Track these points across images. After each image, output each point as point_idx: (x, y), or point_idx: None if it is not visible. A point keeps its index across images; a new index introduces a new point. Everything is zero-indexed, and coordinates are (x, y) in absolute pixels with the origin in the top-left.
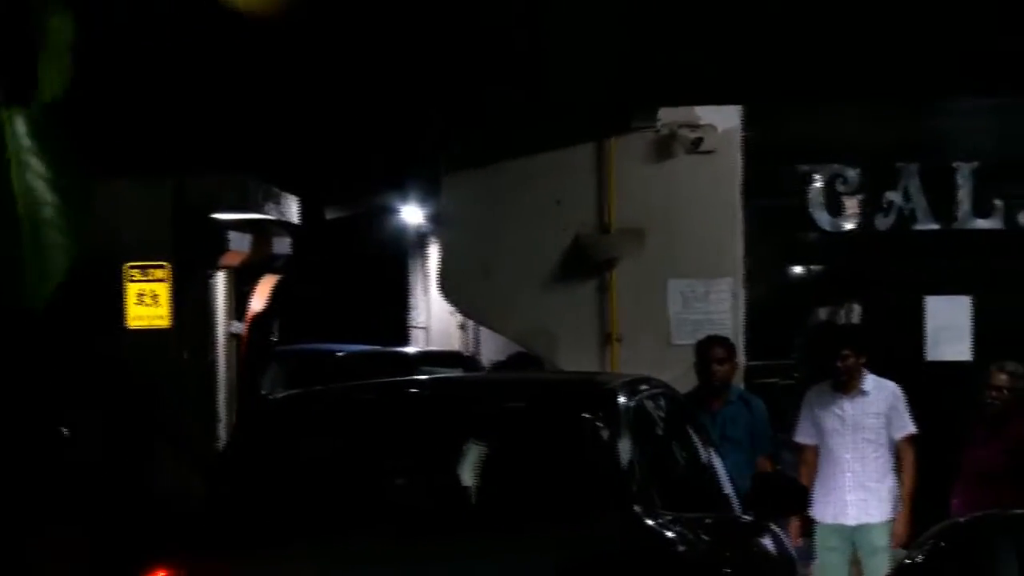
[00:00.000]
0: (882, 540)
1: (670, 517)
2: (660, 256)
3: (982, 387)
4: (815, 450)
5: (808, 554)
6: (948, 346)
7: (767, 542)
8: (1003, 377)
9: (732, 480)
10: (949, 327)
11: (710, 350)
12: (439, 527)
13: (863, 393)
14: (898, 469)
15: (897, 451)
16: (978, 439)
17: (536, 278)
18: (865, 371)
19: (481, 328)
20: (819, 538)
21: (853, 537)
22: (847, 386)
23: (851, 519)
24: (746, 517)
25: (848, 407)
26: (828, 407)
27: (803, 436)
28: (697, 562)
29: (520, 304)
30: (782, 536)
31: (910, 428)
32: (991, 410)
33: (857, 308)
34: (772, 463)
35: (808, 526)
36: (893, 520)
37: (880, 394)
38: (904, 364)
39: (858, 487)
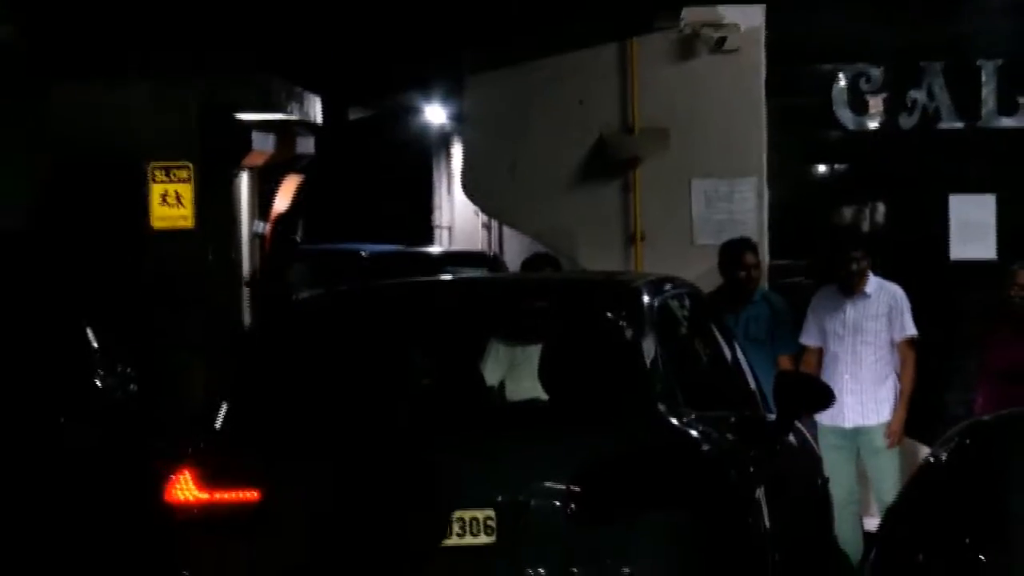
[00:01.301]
0: (881, 441)
1: (694, 416)
2: (684, 156)
3: (1007, 286)
4: (818, 352)
5: None
6: (972, 245)
7: (792, 439)
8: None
9: (756, 379)
10: (973, 226)
11: (742, 256)
12: (464, 425)
13: (865, 296)
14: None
15: (898, 352)
16: (1002, 338)
17: (560, 178)
18: (869, 273)
19: (505, 228)
20: (821, 439)
21: (855, 438)
22: (853, 289)
23: (848, 421)
24: (770, 415)
25: (850, 310)
26: (832, 310)
27: (807, 338)
28: (720, 459)
29: (544, 204)
30: (807, 434)
31: (910, 330)
32: (1015, 309)
33: (881, 207)
34: (794, 361)
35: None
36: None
37: (882, 296)
38: (928, 263)
39: (855, 390)
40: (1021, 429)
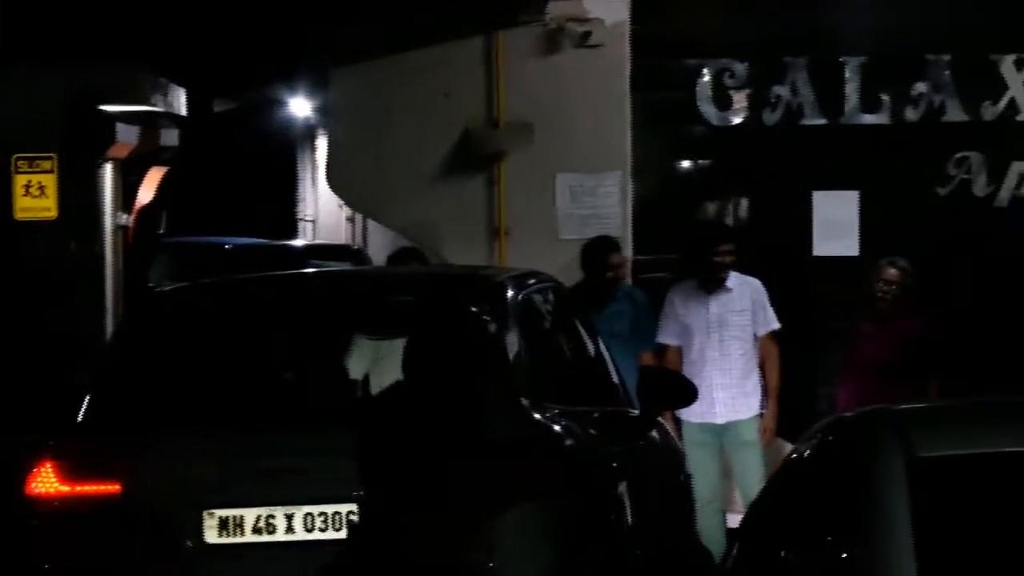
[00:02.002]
0: (750, 434)
1: (557, 410)
2: (548, 150)
3: (872, 282)
4: (678, 350)
5: None
6: (835, 241)
7: (655, 435)
8: (894, 272)
9: (619, 374)
10: (836, 222)
11: (607, 256)
12: (326, 419)
13: (727, 290)
14: (762, 365)
15: (761, 347)
16: (866, 333)
17: (425, 171)
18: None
19: (369, 222)
20: (686, 436)
21: (721, 434)
22: (717, 283)
23: (720, 417)
24: (634, 411)
25: (714, 305)
26: (694, 306)
27: (667, 336)
28: (583, 454)
29: (408, 198)
30: (667, 428)
31: (774, 324)
32: (880, 304)
33: (744, 203)
34: (657, 358)
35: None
36: (760, 415)
37: (743, 290)
38: (791, 259)
39: (726, 385)
40: (883, 425)
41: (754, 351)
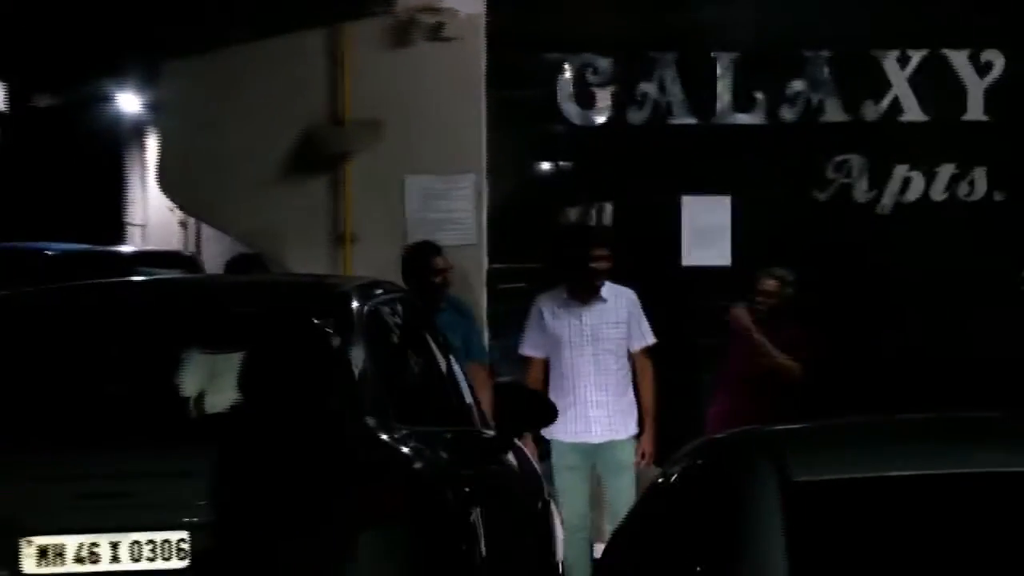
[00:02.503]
0: (627, 456)
1: (406, 431)
2: (398, 150)
3: (750, 293)
4: (543, 364)
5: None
6: (706, 250)
7: (512, 459)
8: (771, 283)
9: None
10: (707, 229)
11: (429, 260)
12: (156, 441)
13: (601, 300)
14: (635, 383)
15: (634, 363)
16: (739, 346)
17: (264, 173)
18: None
19: (204, 227)
20: (556, 457)
21: (595, 455)
22: (588, 292)
23: (596, 436)
24: (488, 432)
25: (587, 316)
26: (563, 316)
27: (531, 348)
28: (434, 477)
29: (247, 201)
30: (529, 453)
31: (650, 338)
32: (757, 316)
33: (609, 208)
34: (491, 373)
35: (542, 447)
36: (637, 436)
37: (618, 301)
38: (660, 269)
39: (602, 402)
40: (757, 448)
41: (628, 367)
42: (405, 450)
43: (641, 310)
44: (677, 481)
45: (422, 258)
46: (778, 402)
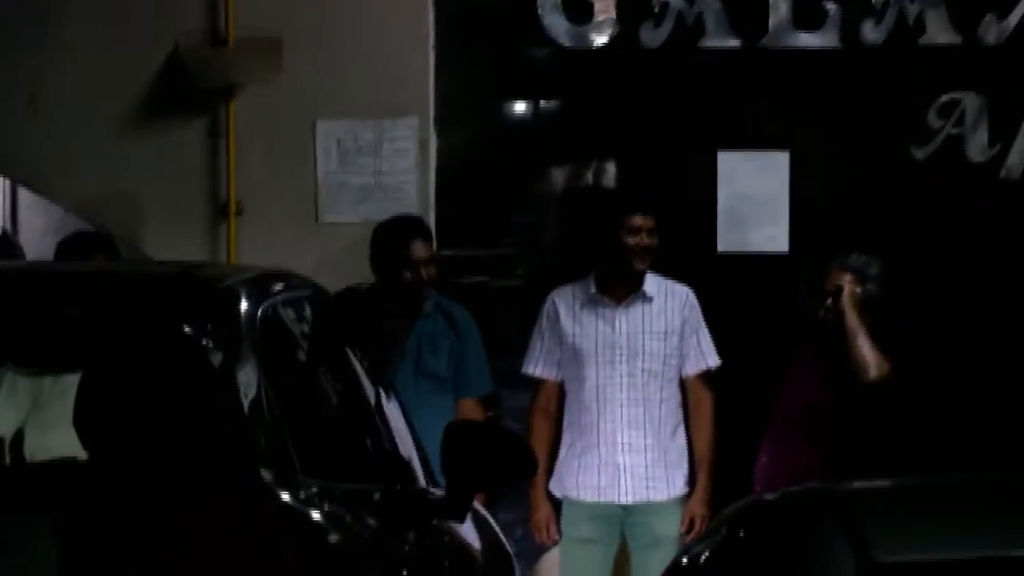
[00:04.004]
0: (668, 526)
1: (316, 488)
2: (305, 82)
3: (815, 292)
4: (556, 389)
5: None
6: (751, 231)
7: (467, 528)
8: (847, 277)
9: (423, 434)
10: (755, 200)
11: (404, 245)
12: None
13: (645, 299)
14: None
15: (689, 393)
16: (800, 370)
17: (110, 118)
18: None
19: (23, 192)
20: (566, 525)
21: (624, 522)
22: (625, 285)
23: (626, 495)
24: (435, 491)
25: (623, 321)
26: (589, 320)
27: (540, 366)
28: (355, 557)
29: (87, 157)
30: (489, 519)
31: (711, 360)
32: (823, 327)
33: (611, 169)
34: (486, 408)
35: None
36: (686, 496)
37: (671, 303)
38: (686, 258)
39: (637, 447)
40: (824, 515)
41: (679, 398)
42: (315, 516)
43: (701, 317)
44: (708, 561)
45: (392, 241)
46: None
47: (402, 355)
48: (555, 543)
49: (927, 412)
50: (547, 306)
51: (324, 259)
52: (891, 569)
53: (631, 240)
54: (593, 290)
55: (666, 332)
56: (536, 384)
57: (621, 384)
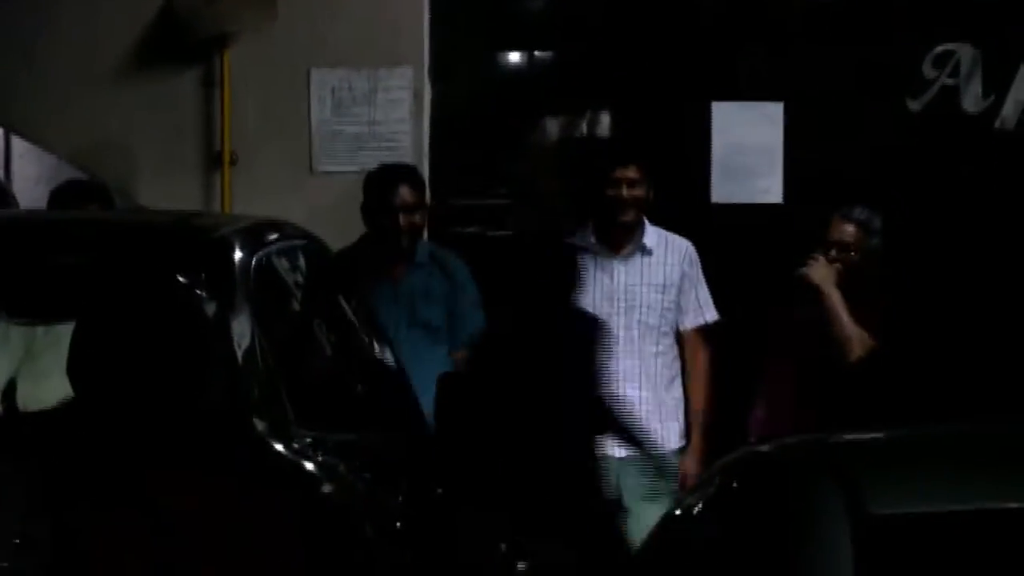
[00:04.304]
0: (666, 479)
1: (310, 439)
2: (299, 32)
3: (816, 244)
4: None
5: None
6: (746, 182)
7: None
8: (850, 229)
9: (418, 384)
10: (749, 151)
11: (394, 191)
12: None
13: (645, 251)
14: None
15: (687, 346)
16: (800, 323)
17: (106, 67)
18: (644, 218)
19: (14, 140)
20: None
21: (619, 474)
22: (620, 238)
23: (620, 448)
24: (431, 440)
25: (621, 272)
26: (586, 271)
27: None
28: (346, 508)
29: (81, 106)
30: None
31: (709, 314)
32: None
33: (605, 119)
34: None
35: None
36: (681, 450)
37: (670, 256)
38: (680, 209)
39: (634, 399)
40: (818, 467)
41: (676, 351)
42: (309, 466)
43: (701, 272)
44: (702, 513)
45: (378, 189)
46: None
47: (393, 303)
48: None
49: (922, 370)
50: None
51: (318, 208)
52: (886, 520)
53: (612, 192)
54: (593, 241)
55: (664, 285)
56: None
57: (617, 336)
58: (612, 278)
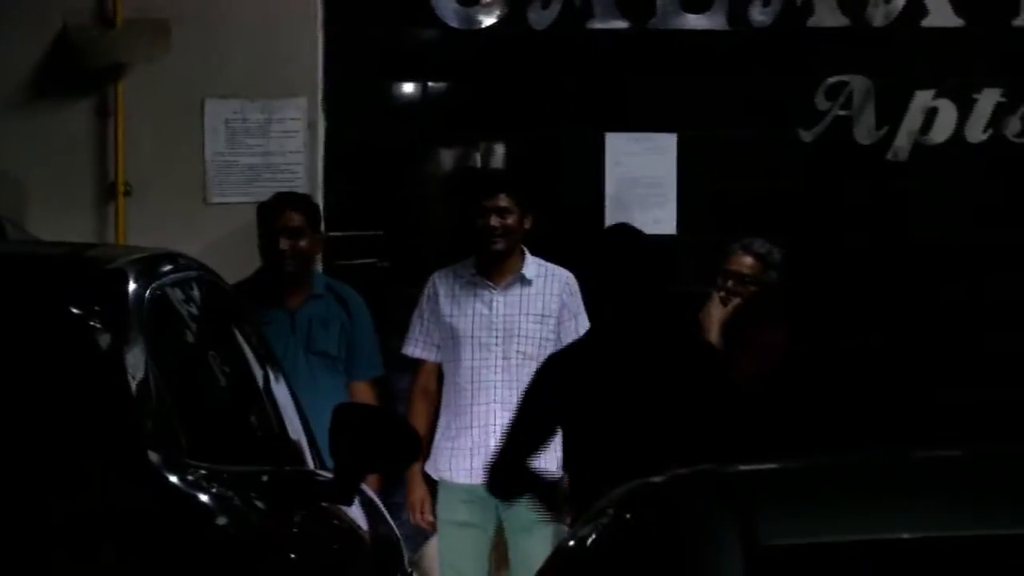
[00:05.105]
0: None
1: (204, 471)
2: (194, 63)
3: (714, 275)
4: (435, 370)
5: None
6: (639, 212)
7: (355, 511)
8: (747, 261)
9: (314, 415)
10: (641, 182)
11: (279, 215)
12: None
13: (524, 282)
14: None
15: None
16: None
17: None
18: (524, 249)
19: None
20: (442, 509)
21: (499, 506)
22: (499, 269)
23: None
24: (323, 473)
25: (500, 302)
26: (466, 302)
27: (418, 347)
28: (239, 540)
29: None
30: (377, 503)
31: None
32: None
33: (500, 150)
34: (378, 392)
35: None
36: (559, 481)
37: (549, 286)
38: (568, 239)
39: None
40: (711, 497)
41: None
42: (204, 499)
43: (580, 301)
44: (595, 544)
45: (264, 215)
46: None
47: (290, 334)
48: (431, 525)
49: (820, 399)
50: (428, 287)
51: (212, 240)
52: (777, 551)
53: (481, 220)
54: (473, 272)
55: (543, 315)
56: (416, 365)
57: (496, 366)
58: (491, 309)
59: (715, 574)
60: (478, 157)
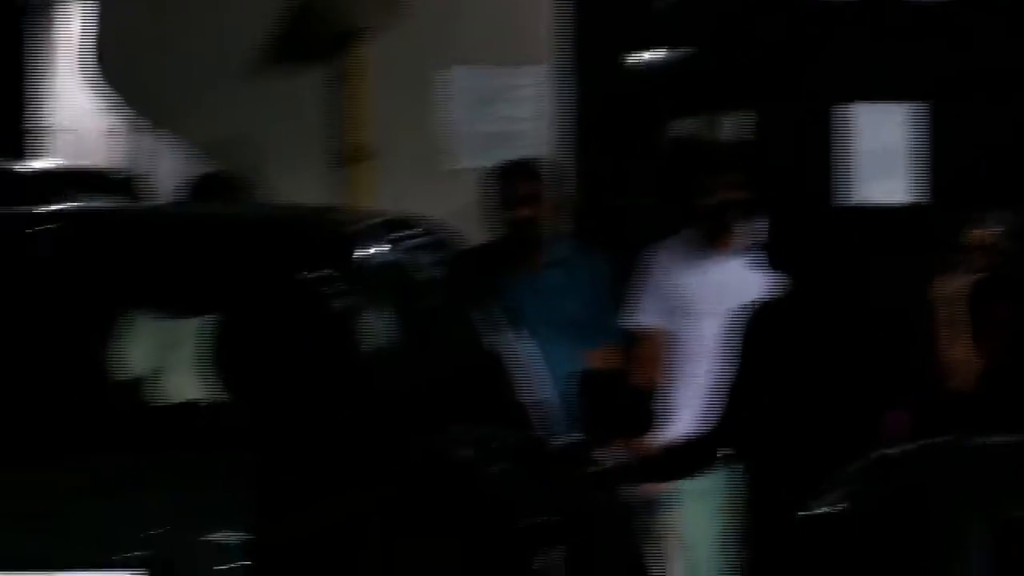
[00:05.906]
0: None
1: (459, 434)
2: (433, 30)
3: (949, 251)
4: (663, 338)
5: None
6: (879, 181)
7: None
8: (986, 236)
9: (553, 382)
10: (884, 152)
11: (511, 184)
12: (92, 445)
13: (745, 252)
14: None
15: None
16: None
17: (238, 61)
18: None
19: (150, 134)
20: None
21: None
22: (721, 238)
23: None
24: (564, 438)
25: (722, 270)
26: (689, 271)
27: (646, 314)
28: (498, 497)
29: (215, 99)
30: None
31: None
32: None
33: (733, 120)
34: (618, 357)
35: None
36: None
37: (761, 257)
38: (804, 208)
39: None
40: (952, 474)
41: None
42: (469, 460)
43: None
44: (840, 516)
45: (502, 182)
46: None
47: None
48: (660, 492)
49: None
50: (652, 257)
51: (452, 205)
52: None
53: (716, 199)
54: (695, 242)
55: (759, 285)
56: (642, 334)
57: (712, 336)
58: (707, 276)
59: (963, 546)
60: (719, 128)
